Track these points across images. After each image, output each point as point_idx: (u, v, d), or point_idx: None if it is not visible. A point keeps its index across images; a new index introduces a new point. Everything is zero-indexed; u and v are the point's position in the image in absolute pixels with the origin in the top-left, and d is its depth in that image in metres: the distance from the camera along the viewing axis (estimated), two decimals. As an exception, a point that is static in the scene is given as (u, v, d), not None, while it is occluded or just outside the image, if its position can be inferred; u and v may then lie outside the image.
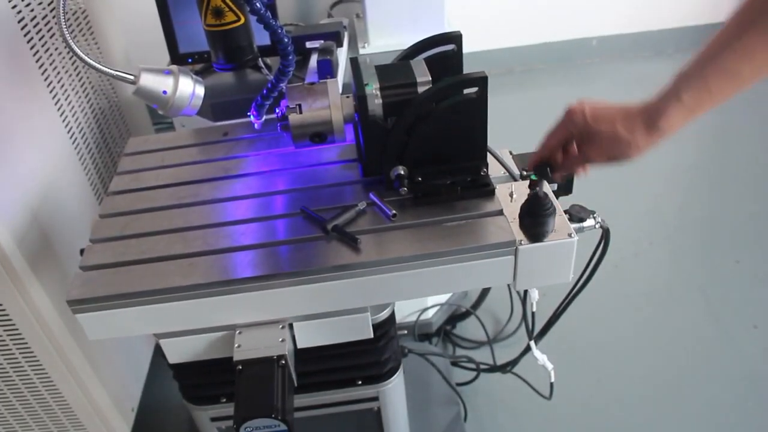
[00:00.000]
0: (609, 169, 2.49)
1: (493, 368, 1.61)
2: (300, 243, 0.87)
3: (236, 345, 0.87)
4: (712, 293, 1.88)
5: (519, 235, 0.84)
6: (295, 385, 0.91)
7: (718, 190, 2.30)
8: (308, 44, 1.44)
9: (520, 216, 0.85)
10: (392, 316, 1.01)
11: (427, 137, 0.88)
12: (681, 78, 0.71)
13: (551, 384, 1.40)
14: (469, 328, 1.84)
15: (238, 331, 0.88)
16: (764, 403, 1.57)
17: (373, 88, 0.87)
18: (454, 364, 1.69)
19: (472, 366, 1.65)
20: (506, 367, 1.54)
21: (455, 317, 1.84)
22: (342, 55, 1.46)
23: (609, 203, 2.24)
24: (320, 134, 0.91)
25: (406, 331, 1.74)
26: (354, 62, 0.93)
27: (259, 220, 0.92)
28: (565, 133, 0.83)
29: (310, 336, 0.92)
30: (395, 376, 1.05)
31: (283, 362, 0.85)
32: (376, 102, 0.87)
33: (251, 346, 0.86)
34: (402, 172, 0.89)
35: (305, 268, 0.82)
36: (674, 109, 0.71)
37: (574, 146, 0.87)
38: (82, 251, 0.91)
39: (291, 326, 0.90)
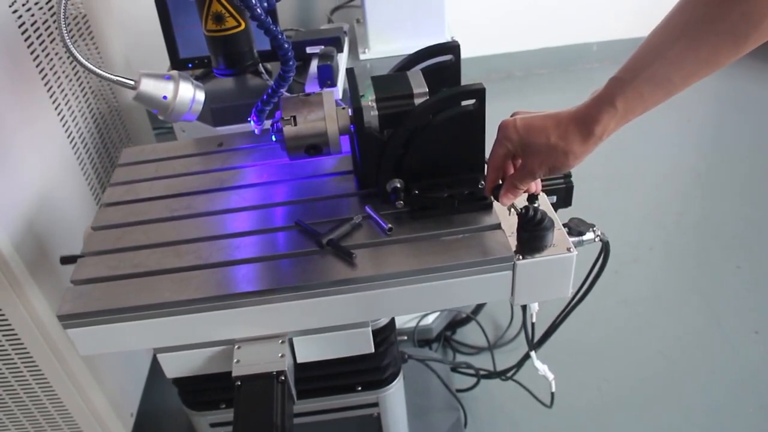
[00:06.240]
0: (609, 174, 2.50)
1: (493, 374, 1.61)
2: (295, 257, 0.86)
3: (235, 360, 0.86)
4: (713, 299, 1.87)
5: (517, 249, 0.83)
6: (295, 401, 0.90)
7: (718, 195, 2.29)
8: (308, 50, 1.44)
9: (518, 230, 0.84)
10: (392, 322, 1.01)
11: (424, 150, 0.87)
12: (614, 84, 0.71)
13: (552, 393, 1.39)
14: (469, 334, 1.83)
15: (236, 346, 0.87)
16: (765, 408, 1.56)
17: (369, 100, 0.87)
18: (454, 370, 1.69)
19: (472, 372, 1.65)
20: (506, 374, 1.54)
21: (455, 323, 1.83)
22: (342, 60, 1.46)
23: (609, 209, 2.24)
24: (315, 146, 0.91)
25: (405, 337, 1.73)
26: (350, 73, 0.92)
27: (253, 234, 0.92)
28: (503, 149, 0.81)
29: (310, 351, 0.91)
30: (395, 381, 1.05)
31: (283, 378, 0.84)
32: (372, 114, 0.86)
33: (250, 361, 0.86)
34: (398, 185, 0.89)
35: (300, 283, 0.82)
36: (608, 115, 0.71)
37: (510, 164, 0.85)
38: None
39: (291, 341, 0.90)
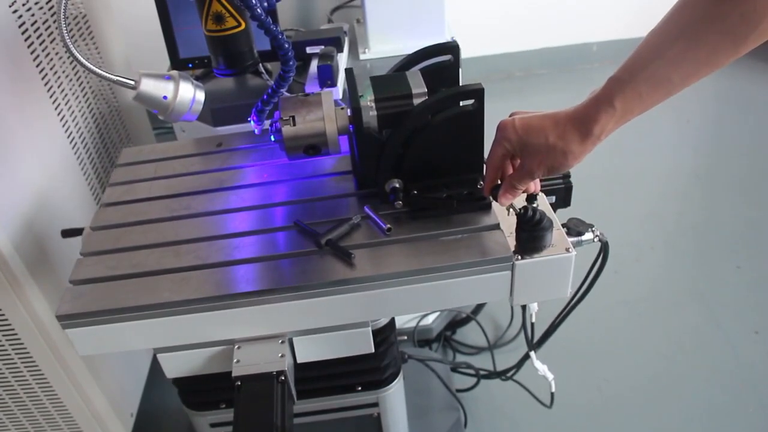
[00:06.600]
0: (609, 174, 2.50)
1: (493, 374, 1.61)
2: (294, 257, 0.86)
3: (235, 360, 0.86)
4: (713, 299, 1.87)
5: (516, 249, 0.83)
6: (295, 401, 0.90)
7: (718, 195, 2.29)
8: (309, 50, 1.44)
9: (517, 230, 0.84)
10: (392, 322, 1.01)
11: (422, 150, 0.87)
12: (613, 84, 0.71)
13: (552, 393, 1.39)
14: (469, 334, 1.83)
15: (237, 346, 0.88)
16: (765, 408, 1.56)
17: (367, 100, 0.87)
18: (454, 370, 1.69)
19: (472, 372, 1.65)
20: (506, 374, 1.54)
21: (455, 323, 1.83)
22: (342, 60, 1.46)
23: (610, 209, 2.24)
24: (314, 146, 0.91)
25: (405, 337, 1.73)
26: (349, 73, 0.92)
27: (252, 234, 0.92)
28: (502, 149, 0.81)
29: (310, 351, 0.91)
30: (395, 382, 1.05)
31: (283, 378, 0.84)
32: (370, 114, 0.86)
33: (250, 361, 0.86)
34: (397, 185, 0.89)
35: (298, 284, 0.82)
36: (607, 115, 0.71)
37: (509, 164, 0.85)
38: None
39: (291, 341, 0.90)
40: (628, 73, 0.70)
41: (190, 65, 1.43)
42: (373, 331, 0.92)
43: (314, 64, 1.39)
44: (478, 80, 0.85)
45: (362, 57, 1.58)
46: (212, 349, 0.90)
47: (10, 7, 1.18)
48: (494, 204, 0.89)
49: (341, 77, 1.39)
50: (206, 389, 1.00)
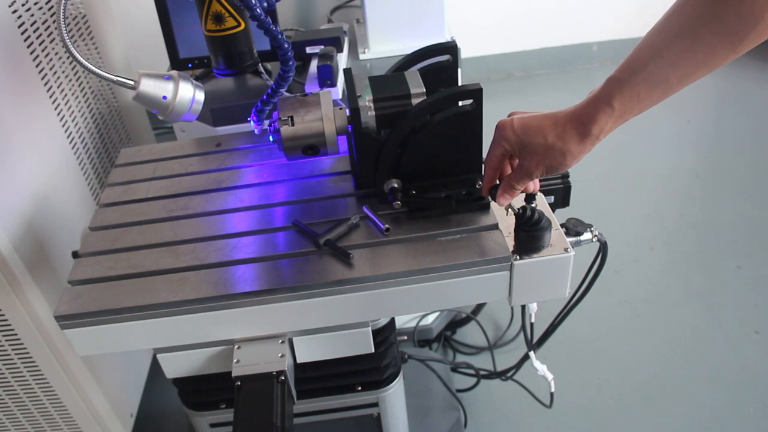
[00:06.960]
0: (609, 174, 2.49)
1: (493, 374, 1.61)
2: (292, 258, 0.86)
3: (235, 360, 0.86)
4: (713, 299, 1.87)
5: (514, 249, 0.83)
6: (295, 401, 0.90)
7: (718, 195, 2.29)
8: (308, 50, 1.44)
9: (515, 230, 0.84)
10: (392, 322, 1.01)
11: (421, 150, 0.87)
12: (611, 84, 0.71)
13: (551, 393, 1.39)
14: (469, 334, 1.83)
15: (236, 346, 0.88)
16: (765, 408, 1.56)
17: (366, 100, 0.87)
18: (454, 370, 1.69)
19: (472, 372, 1.65)
20: (506, 374, 1.54)
21: (455, 323, 1.83)
22: (342, 60, 1.46)
23: (610, 209, 2.24)
24: (313, 147, 0.91)
25: (405, 337, 1.73)
26: (348, 73, 0.92)
27: (251, 234, 0.92)
28: (500, 149, 0.81)
29: (309, 351, 0.91)
30: (395, 382, 1.05)
31: (283, 378, 0.84)
32: (369, 114, 0.86)
33: (250, 361, 0.86)
34: (396, 185, 0.89)
35: (296, 284, 0.82)
36: (605, 115, 0.72)
37: (507, 164, 0.85)
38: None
39: (290, 341, 0.90)
40: (627, 73, 0.70)
41: (190, 65, 1.43)
42: (373, 331, 0.93)
43: (314, 64, 1.39)
44: (478, 80, 0.85)
45: (362, 57, 1.58)
46: (212, 349, 0.90)
47: (9, 7, 1.18)
48: (493, 204, 0.89)
49: (341, 77, 1.39)
50: (206, 389, 1.00)
